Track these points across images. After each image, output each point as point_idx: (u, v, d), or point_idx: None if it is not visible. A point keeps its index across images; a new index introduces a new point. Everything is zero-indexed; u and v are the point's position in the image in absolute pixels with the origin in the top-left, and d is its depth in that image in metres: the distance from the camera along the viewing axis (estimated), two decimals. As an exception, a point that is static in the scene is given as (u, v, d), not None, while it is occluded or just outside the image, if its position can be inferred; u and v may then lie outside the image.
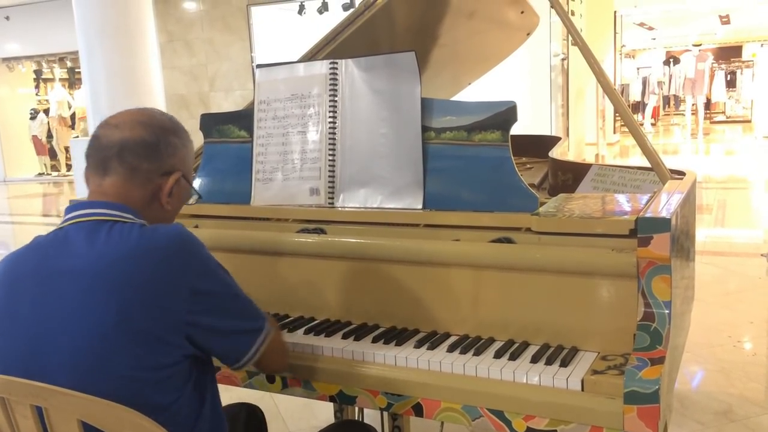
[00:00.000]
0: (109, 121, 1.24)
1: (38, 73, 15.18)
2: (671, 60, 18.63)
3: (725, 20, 17.01)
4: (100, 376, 1.06)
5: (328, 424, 1.54)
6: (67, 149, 13.92)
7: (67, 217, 1.19)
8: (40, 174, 14.73)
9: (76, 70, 13.64)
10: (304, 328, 1.52)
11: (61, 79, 15.50)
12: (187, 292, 1.12)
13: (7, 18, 12.90)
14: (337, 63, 1.64)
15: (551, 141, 2.58)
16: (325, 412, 2.59)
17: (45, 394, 0.99)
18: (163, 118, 1.27)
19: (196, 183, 1.79)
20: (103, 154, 1.20)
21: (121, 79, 6.88)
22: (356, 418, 2.23)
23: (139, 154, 1.20)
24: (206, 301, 1.15)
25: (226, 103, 11.08)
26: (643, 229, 1.23)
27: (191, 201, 1.35)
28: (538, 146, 2.57)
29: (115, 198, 1.19)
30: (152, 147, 1.21)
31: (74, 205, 1.20)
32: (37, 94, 15.79)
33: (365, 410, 2.19)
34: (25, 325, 1.10)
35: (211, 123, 1.80)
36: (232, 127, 1.77)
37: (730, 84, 18.92)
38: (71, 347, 1.07)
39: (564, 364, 1.26)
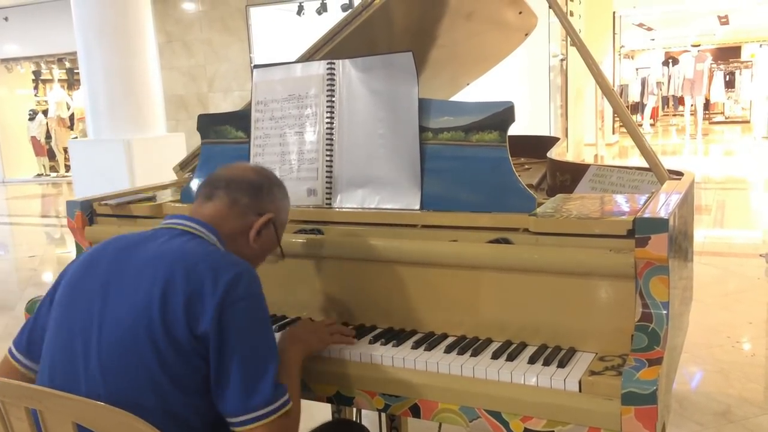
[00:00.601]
0: (223, 175, 1.37)
1: (37, 73, 15.17)
2: (670, 60, 18.65)
3: (724, 21, 17.03)
4: (135, 341, 1.13)
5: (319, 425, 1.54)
6: (65, 150, 13.89)
7: (163, 223, 1.32)
8: (39, 175, 14.72)
9: (75, 70, 13.64)
10: (301, 329, 1.51)
11: (59, 80, 15.50)
12: (214, 319, 1.14)
13: (6, 19, 12.89)
14: (334, 63, 1.64)
15: (549, 141, 2.58)
16: (322, 413, 2.59)
17: (39, 397, 1.00)
18: (273, 174, 1.42)
19: (195, 184, 1.78)
20: (213, 185, 1.35)
21: (119, 80, 6.86)
22: (354, 419, 2.23)
23: (243, 189, 1.34)
24: (224, 336, 1.15)
25: (225, 103, 11.07)
26: (641, 229, 1.23)
27: (273, 258, 1.44)
28: (536, 147, 2.56)
29: (210, 219, 1.31)
30: (256, 187, 1.35)
31: (173, 215, 1.33)
32: (35, 95, 15.78)
33: (363, 411, 2.18)
34: (88, 301, 1.20)
35: (208, 124, 1.80)
36: (229, 128, 1.76)
37: (729, 84, 18.94)
38: (116, 319, 1.16)
39: (561, 364, 1.25)
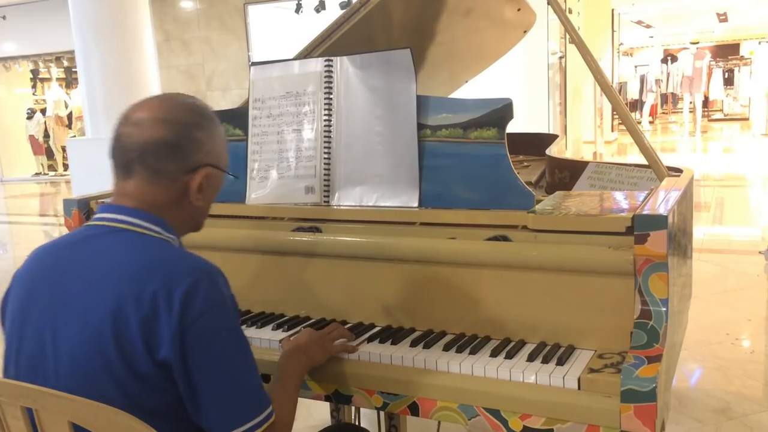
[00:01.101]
0: (130, 117, 1.18)
1: (35, 72, 15.13)
2: (669, 58, 18.64)
3: (723, 18, 17.01)
4: (94, 378, 1.05)
5: (324, 424, 1.54)
6: (64, 149, 13.87)
7: (96, 218, 1.18)
8: (37, 174, 14.70)
9: (73, 69, 13.58)
10: (299, 327, 1.51)
11: (57, 79, 15.45)
12: (175, 343, 1.04)
13: (4, 17, 12.86)
14: (332, 60, 1.63)
15: (548, 139, 2.58)
16: (321, 411, 2.58)
17: (35, 396, 0.99)
18: (185, 109, 1.19)
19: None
20: (126, 156, 1.16)
21: (117, 79, 6.86)
22: (353, 418, 2.22)
23: (161, 155, 1.15)
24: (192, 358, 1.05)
25: (224, 102, 11.05)
26: (640, 226, 1.23)
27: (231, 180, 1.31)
28: (535, 144, 2.56)
29: (140, 202, 1.16)
30: (174, 147, 1.16)
31: (104, 207, 1.18)
32: (33, 94, 15.76)
33: (362, 410, 2.18)
34: (35, 327, 1.11)
35: (205, 121, 1.79)
36: (226, 126, 1.76)
37: (728, 82, 18.92)
38: (70, 353, 1.07)
39: (560, 362, 1.25)
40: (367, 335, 1.44)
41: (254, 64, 1.73)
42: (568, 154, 7.88)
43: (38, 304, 1.12)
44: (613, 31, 13.56)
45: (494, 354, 1.31)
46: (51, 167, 14.95)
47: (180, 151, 1.16)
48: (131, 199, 1.16)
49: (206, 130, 1.20)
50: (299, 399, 1.29)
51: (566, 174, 1.95)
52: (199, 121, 1.19)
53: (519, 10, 2.33)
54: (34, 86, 15.76)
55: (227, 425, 1.07)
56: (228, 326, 1.09)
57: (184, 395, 1.07)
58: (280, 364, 1.31)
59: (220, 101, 11.14)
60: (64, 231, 1.52)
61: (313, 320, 1.56)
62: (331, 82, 1.62)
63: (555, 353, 1.29)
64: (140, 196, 1.16)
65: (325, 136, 1.62)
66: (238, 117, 1.74)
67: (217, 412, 1.07)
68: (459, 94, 2.57)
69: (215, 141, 1.23)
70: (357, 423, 2.17)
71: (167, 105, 1.19)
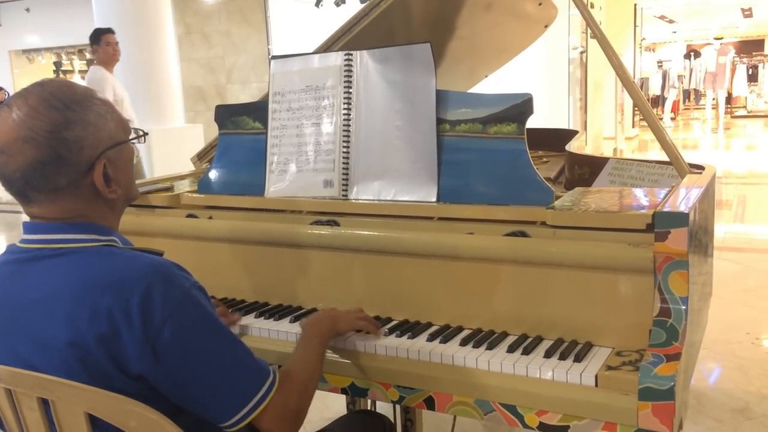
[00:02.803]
0: None
1: (58, 64, 15.31)
2: (692, 53, 18.40)
3: (747, 13, 16.75)
4: None
5: (340, 416, 1.55)
6: (86, 140, 14.00)
7: (25, 239, 1.09)
8: (60, 165, 14.87)
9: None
10: (316, 320, 1.51)
11: (80, 71, 15.62)
12: (146, 359, 1.00)
13: (27, 10, 13.01)
14: (352, 54, 1.63)
15: (568, 134, 2.56)
16: (337, 403, 2.59)
17: (51, 387, 0.98)
18: (45, 111, 1.02)
19: (212, 174, 1.79)
20: (15, 186, 1.05)
21: (138, 71, 6.92)
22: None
23: (46, 175, 1.03)
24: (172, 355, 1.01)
25: (243, 95, 11.10)
26: (661, 223, 1.21)
27: (141, 141, 1.18)
28: (555, 139, 2.54)
29: (59, 216, 1.07)
30: (54, 161, 1.02)
31: (28, 227, 1.09)
32: (57, 86, 15.92)
33: (378, 403, 2.19)
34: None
35: (225, 114, 1.80)
36: (246, 119, 1.77)
37: (752, 78, 18.64)
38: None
39: (578, 359, 1.24)
40: (384, 329, 1.44)
41: (275, 57, 1.73)
42: (588, 150, 7.81)
43: None
44: (635, 25, 13.41)
45: (511, 350, 1.30)
46: (73, 158, 15.10)
47: (63, 161, 1.03)
48: (54, 217, 1.07)
49: (79, 122, 1.04)
50: (316, 391, 1.30)
51: (586, 170, 1.93)
52: (67, 116, 1.04)
53: (540, 4, 2.32)
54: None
55: (230, 411, 1.05)
56: (197, 321, 1.04)
57: (174, 398, 1.04)
58: (303, 327, 1.33)
59: (240, 94, 11.19)
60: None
61: (330, 313, 1.56)
62: (350, 76, 1.63)
63: (572, 350, 1.28)
64: (53, 214, 1.07)
65: (344, 130, 1.62)
66: (257, 110, 1.75)
67: (216, 403, 1.05)
68: (479, 88, 2.56)
69: (97, 124, 1.07)
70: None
71: (24, 115, 1.02)
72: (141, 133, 1.19)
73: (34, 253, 1.07)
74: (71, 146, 1.04)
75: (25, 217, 1.11)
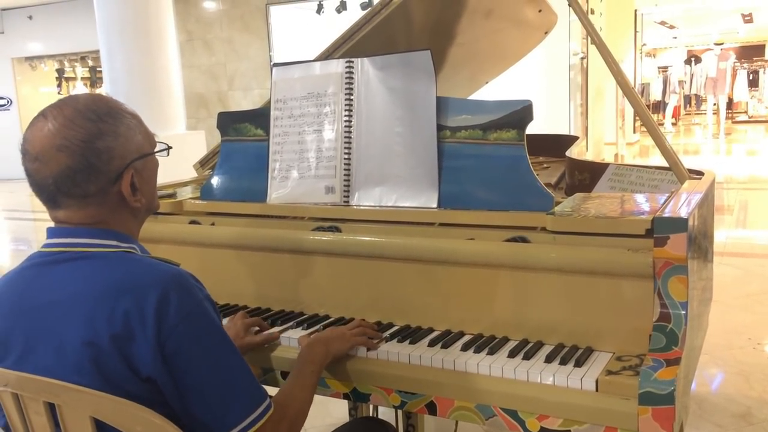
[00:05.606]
0: (29, 151, 1.09)
1: (60, 71, 15.36)
2: (693, 59, 18.43)
3: (748, 19, 16.78)
4: None
5: (341, 422, 1.55)
6: (88, 147, 14.03)
7: (48, 243, 1.13)
8: (62, 172, 14.90)
9: (98, 69, 13.77)
10: (318, 326, 1.52)
11: (82, 78, 15.68)
12: (156, 361, 1.02)
13: (30, 17, 13.07)
14: (353, 62, 1.64)
15: (569, 140, 2.57)
16: (339, 409, 2.60)
17: (57, 391, 0.99)
18: (80, 121, 1.08)
19: (215, 180, 1.80)
20: (46, 192, 1.10)
21: (141, 78, 6.96)
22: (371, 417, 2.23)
23: (77, 182, 1.08)
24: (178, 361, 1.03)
25: (245, 102, 11.13)
26: (660, 228, 1.22)
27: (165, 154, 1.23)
28: (555, 145, 2.55)
29: (84, 222, 1.11)
30: (86, 169, 1.08)
31: (52, 231, 1.14)
32: (59, 93, 15.96)
33: (380, 408, 2.19)
34: (15, 361, 1.06)
35: (227, 121, 1.81)
36: (248, 126, 1.78)
37: (753, 83, 18.67)
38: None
39: (578, 364, 1.25)
40: (386, 334, 1.45)
41: (276, 65, 1.74)
42: (589, 156, 7.82)
43: (16, 341, 1.06)
44: (635, 31, 13.44)
45: (512, 355, 1.31)
46: (75, 165, 15.13)
47: (94, 170, 1.09)
48: (78, 221, 1.12)
49: (110, 134, 1.10)
50: (317, 396, 1.30)
51: (586, 176, 1.94)
52: (100, 128, 1.09)
53: (540, 11, 2.33)
54: (59, 85, 15.98)
55: (224, 426, 1.06)
56: (207, 331, 1.07)
57: (175, 407, 1.05)
58: (299, 354, 1.33)
59: (241, 101, 11.22)
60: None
61: (332, 319, 1.57)
62: (351, 83, 1.64)
63: (573, 355, 1.29)
64: (78, 219, 1.11)
65: (345, 137, 1.63)
66: (259, 117, 1.76)
67: (212, 417, 1.06)
68: (479, 95, 2.57)
69: (126, 136, 1.13)
70: (374, 422, 2.18)
71: (60, 125, 1.08)
72: (166, 146, 1.23)
73: (56, 256, 1.11)
74: (102, 155, 1.09)
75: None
